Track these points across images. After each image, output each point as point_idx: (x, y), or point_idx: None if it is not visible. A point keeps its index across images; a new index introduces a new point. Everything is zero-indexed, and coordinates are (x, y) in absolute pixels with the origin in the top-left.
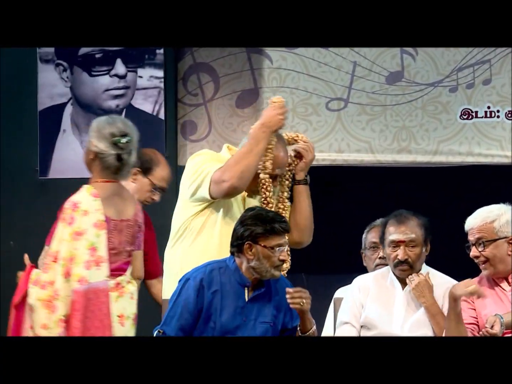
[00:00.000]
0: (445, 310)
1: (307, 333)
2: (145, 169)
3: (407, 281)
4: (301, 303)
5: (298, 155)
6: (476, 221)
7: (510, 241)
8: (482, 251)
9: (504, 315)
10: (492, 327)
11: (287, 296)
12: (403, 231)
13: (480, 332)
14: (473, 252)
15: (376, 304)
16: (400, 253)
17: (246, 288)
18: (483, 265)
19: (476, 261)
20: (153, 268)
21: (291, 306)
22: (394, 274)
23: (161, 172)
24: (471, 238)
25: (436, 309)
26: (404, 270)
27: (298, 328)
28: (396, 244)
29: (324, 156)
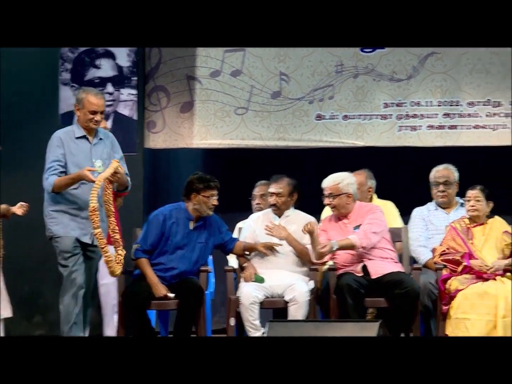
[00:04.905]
0: (305, 235)
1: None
2: None
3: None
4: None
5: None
6: (329, 181)
7: (348, 196)
8: (331, 201)
9: (338, 240)
10: (322, 248)
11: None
12: (275, 186)
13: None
14: (326, 201)
15: (261, 228)
16: (272, 200)
17: (191, 221)
18: (333, 209)
19: (328, 206)
20: None
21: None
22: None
23: None
24: (325, 192)
25: (291, 238)
26: (274, 210)
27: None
28: (271, 194)
29: (233, 143)
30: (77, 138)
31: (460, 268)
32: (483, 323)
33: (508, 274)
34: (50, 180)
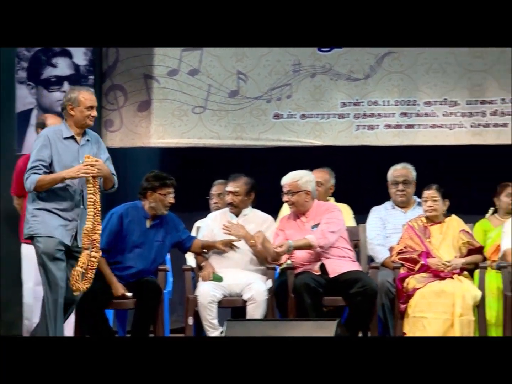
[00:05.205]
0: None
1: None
2: None
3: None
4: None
5: None
6: (287, 179)
7: (307, 193)
8: (290, 198)
9: (295, 240)
10: (278, 248)
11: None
12: (232, 185)
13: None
14: (285, 198)
15: (219, 227)
16: (228, 199)
17: (147, 220)
18: (291, 206)
19: (287, 204)
20: None
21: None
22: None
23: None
24: (284, 189)
25: (249, 237)
26: (232, 209)
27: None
28: (228, 193)
29: (190, 142)
30: (65, 138)
31: (417, 267)
32: (440, 321)
33: (465, 272)
34: (32, 178)
